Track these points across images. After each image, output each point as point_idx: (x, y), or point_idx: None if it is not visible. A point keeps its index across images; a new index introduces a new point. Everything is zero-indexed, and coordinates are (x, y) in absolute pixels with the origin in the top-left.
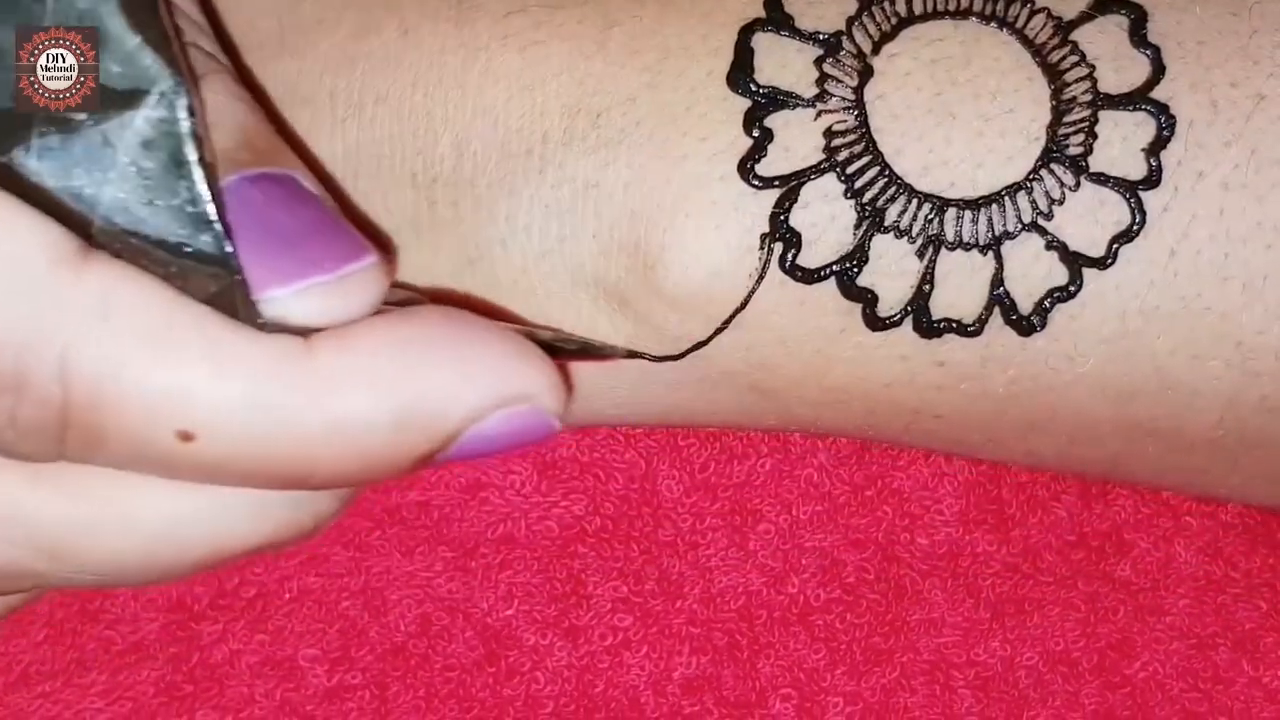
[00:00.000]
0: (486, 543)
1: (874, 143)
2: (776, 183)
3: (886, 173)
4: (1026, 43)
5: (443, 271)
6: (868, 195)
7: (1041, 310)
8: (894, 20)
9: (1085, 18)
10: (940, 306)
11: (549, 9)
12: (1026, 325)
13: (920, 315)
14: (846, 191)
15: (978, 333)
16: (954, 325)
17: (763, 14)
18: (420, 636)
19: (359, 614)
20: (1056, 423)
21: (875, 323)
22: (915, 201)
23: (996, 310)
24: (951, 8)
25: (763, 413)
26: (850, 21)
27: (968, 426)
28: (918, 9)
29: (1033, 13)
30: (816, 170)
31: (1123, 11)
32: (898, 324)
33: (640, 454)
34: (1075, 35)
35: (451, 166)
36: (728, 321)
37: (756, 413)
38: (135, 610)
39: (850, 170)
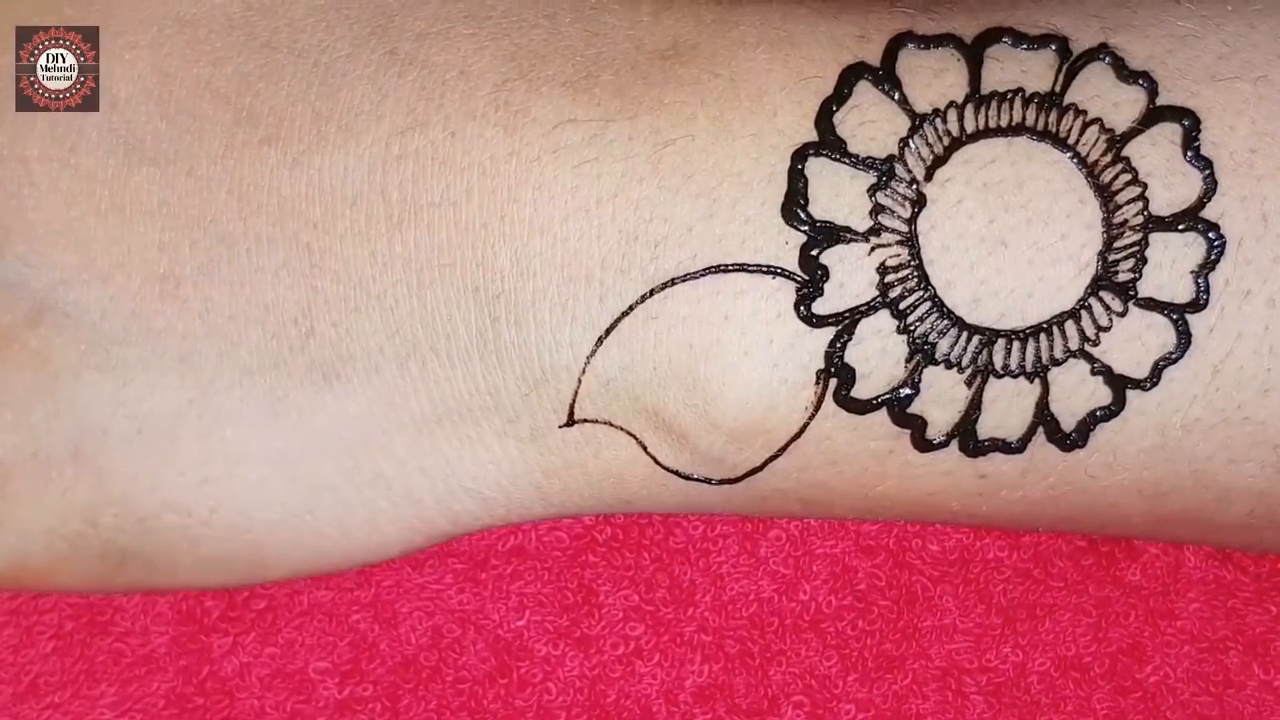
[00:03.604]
0: (497, 554)
1: (926, 278)
2: (831, 320)
3: (938, 307)
4: (1079, 160)
5: (512, 391)
6: (919, 330)
7: (1084, 428)
8: (946, 140)
9: (1137, 130)
10: (986, 428)
11: (600, 122)
12: (1069, 443)
13: (967, 439)
14: (899, 327)
15: (1021, 450)
16: (999, 444)
17: (814, 135)
18: (431, 649)
19: (370, 626)
20: (1091, 516)
21: (923, 446)
22: (965, 335)
23: (1040, 429)
24: (1004, 123)
25: (807, 516)
26: (902, 144)
27: (1005, 521)
28: (969, 126)
29: (1085, 125)
30: (870, 307)
31: (1175, 120)
32: (945, 446)
33: None
34: (1128, 149)
35: (513, 285)
36: (782, 450)
37: (801, 515)
38: (145, 623)
39: (903, 306)
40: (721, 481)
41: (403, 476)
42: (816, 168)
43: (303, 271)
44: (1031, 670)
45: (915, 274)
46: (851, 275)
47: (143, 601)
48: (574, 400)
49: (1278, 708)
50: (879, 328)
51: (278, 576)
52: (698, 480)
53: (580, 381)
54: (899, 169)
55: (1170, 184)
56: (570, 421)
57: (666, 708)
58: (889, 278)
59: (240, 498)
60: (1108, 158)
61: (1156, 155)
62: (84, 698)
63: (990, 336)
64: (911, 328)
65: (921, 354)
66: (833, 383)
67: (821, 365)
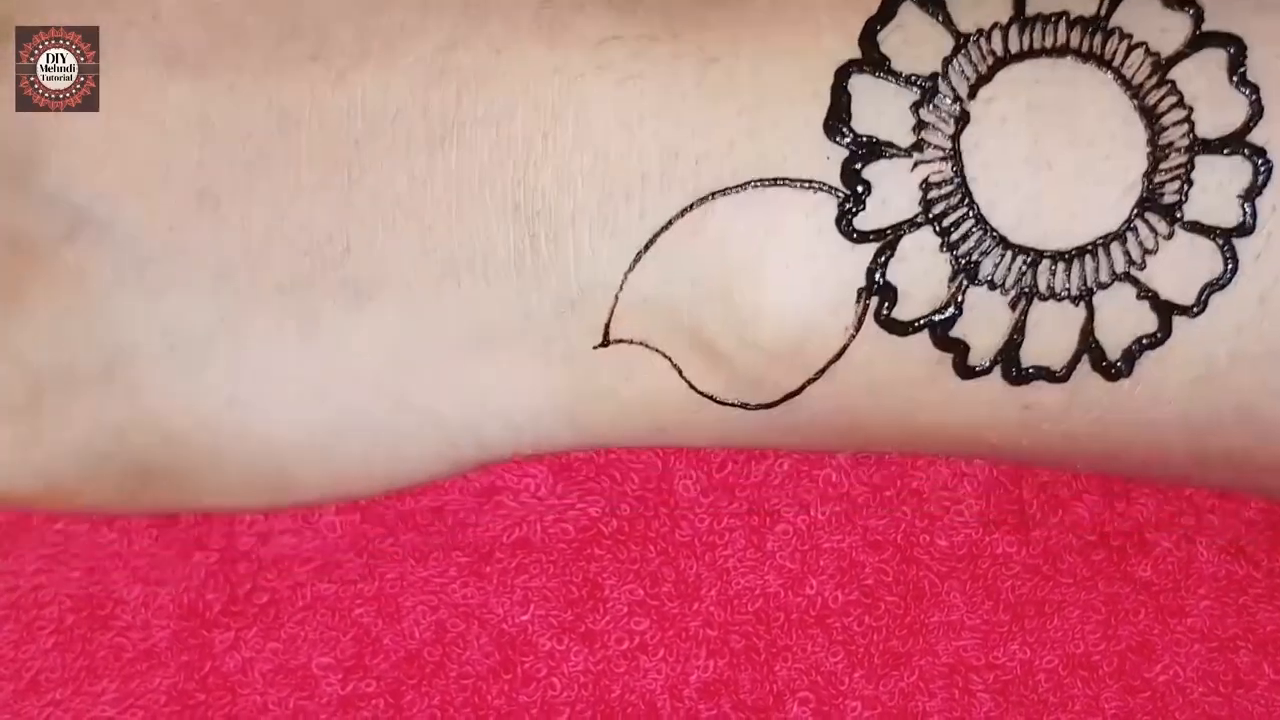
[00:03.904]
0: (502, 547)
1: (970, 195)
2: (873, 237)
3: (981, 226)
4: (1124, 82)
5: (545, 311)
6: (963, 249)
7: (1129, 357)
8: (990, 60)
9: (1182, 54)
10: (1030, 355)
11: (645, 39)
12: (1115, 372)
13: (1010, 364)
14: (942, 245)
15: (1066, 379)
16: (1043, 372)
17: (858, 53)
18: (435, 643)
19: (373, 621)
20: (1132, 452)
21: (965, 372)
22: (1009, 255)
23: (1085, 357)
24: (1048, 44)
25: (846, 447)
26: (946, 62)
27: (1046, 457)
28: (1014, 47)
29: (1130, 48)
30: (912, 224)
31: (1221, 46)
32: (987, 372)
33: (657, 454)
34: (1173, 73)
35: (554, 202)
36: (821, 372)
37: (839, 448)
38: (146, 617)
39: (946, 223)
40: (758, 406)
41: (433, 400)
42: (860, 85)
43: (340, 189)
44: (1039, 668)
45: (959, 191)
46: (894, 191)
47: (144, 595)
48: (609, 319)
49: None
50: (922, 245)
51: (302, 500)
52: (734, 405)
53: (617, 299)
54: (942, 86)
55: (1216, 108)
56: (605, 342)
57: (671, 703)
58: (932, 194)
59: (268, 418)
60: (1153, 80)
61: (1202, 80)
62: (85, 694)
63: (1035, 257)
64: (955, 246)
65: (965, 273)
66: (874, 302)
67: (863, 283)
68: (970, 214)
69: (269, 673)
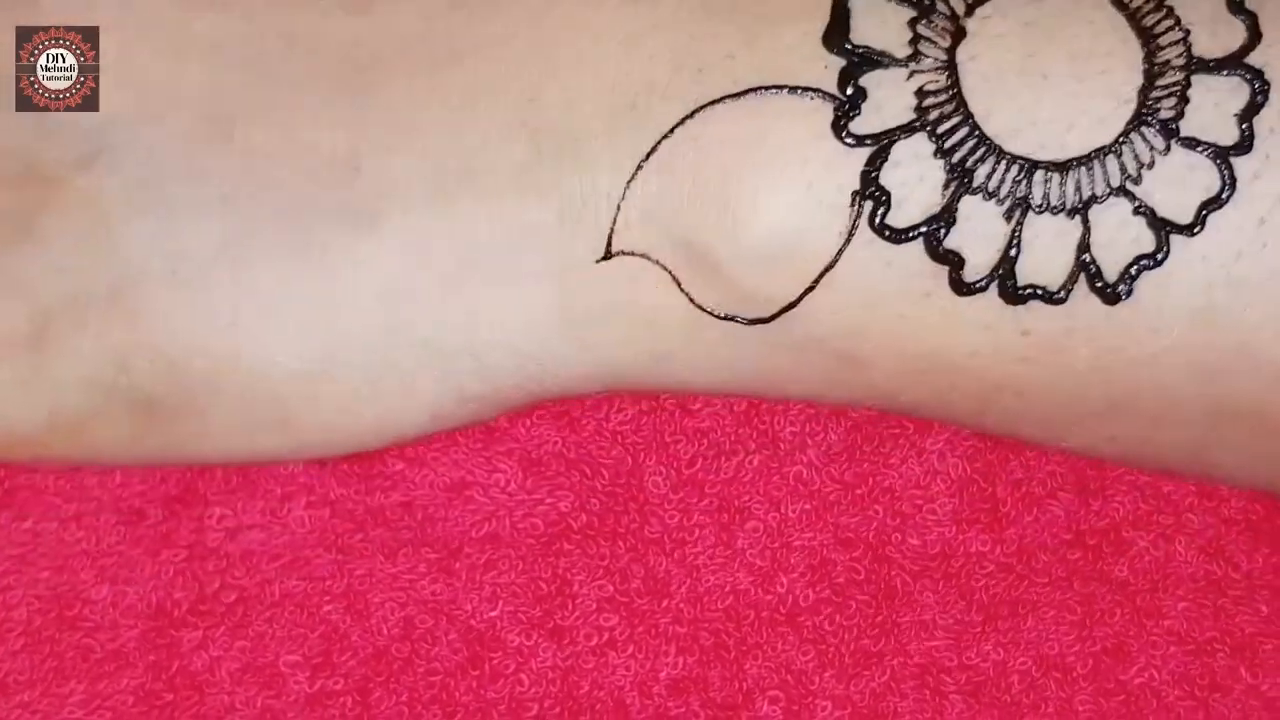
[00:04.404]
0: (471, 542)
1: (964, 103)
2: (868, 141)
3: (976, 133)
4: (1121, 6)
5: (550, 223)
6: (957, 156)
7: (1127, 278)
8: None
9: None
10: (1026, 272)
11: None
12: (1112, 293)
13: (1006, 280)
14: (936, 151)
15: (1063, 299)
16: (1039, 292)
17: None
18: (403, 640)
19: (341, 618)
20: (1140, 401)
21: (961, 287)
22: (1004, 163)
23: (1082, 278)
24: None
25: (847, 384)
26: None
27: (1049, 405)
28: None
29: None
30: (907, 129)
31: None
32: (983, 289)
33: (627, 450)
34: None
35: (560, 115)
36: (819, 279)
37: (841, 382)
38: (114, 617)
39: (940, 130)
40: (755, 321)
41: (434, 326)
42: (860, 3)
43: (347, 111)
44: (1012, 669)
45: (954, 99)
46: (890, 98)
47: (112, 595)
48: (613, 229)
49: (1264, 713)
50: (916, 151)
51: (305, 442)
52: (732, 320)
53: (619, 210)
54: (940, 4)
55: (1215, 33)
56: (608, 254)
57: (640, 700)
58: (927, 101)
59: (269, 344)
60: (1151, 4)
61: (1201, 6)
62: (53, 695)
63: (1029, 166)
64: (949, 152)
65: (958, 181)
66: (868, 207)
67: (857, 187)
68: (965, 122)
69: (236, 671)
